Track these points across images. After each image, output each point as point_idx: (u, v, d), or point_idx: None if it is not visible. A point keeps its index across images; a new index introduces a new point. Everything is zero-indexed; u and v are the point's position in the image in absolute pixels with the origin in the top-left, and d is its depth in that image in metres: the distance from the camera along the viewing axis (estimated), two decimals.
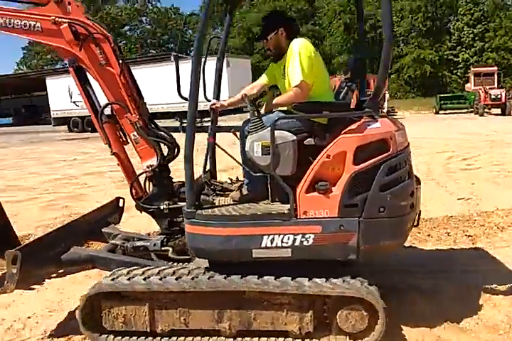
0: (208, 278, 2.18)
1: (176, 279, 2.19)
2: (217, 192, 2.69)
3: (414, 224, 2.41)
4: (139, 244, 2.69)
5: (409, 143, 2.37)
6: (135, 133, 2.66)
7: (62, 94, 21.66)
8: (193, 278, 2.19)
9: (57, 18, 2.51)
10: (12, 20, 2.58)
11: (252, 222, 2.20)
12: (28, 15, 2.58)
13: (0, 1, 2.82)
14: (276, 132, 2.21)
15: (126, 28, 45.02)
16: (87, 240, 3.01)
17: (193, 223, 2.26)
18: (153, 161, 2.65)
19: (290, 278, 2.17)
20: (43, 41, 2.63)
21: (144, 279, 2.21)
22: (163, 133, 2.75)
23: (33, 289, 2.85)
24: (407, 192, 2.18)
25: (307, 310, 2.16)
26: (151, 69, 18.50)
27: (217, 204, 2.45)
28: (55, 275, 2.94)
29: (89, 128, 21.00)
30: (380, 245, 2.18)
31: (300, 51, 2.37)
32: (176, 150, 2.75)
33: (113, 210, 3.33)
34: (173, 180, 2.77)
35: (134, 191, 2.73)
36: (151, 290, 2.20)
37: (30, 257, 2.34)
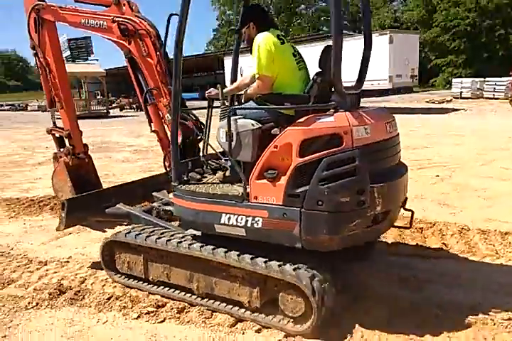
0: (188, 245, 2.52)
1: (167, 241, 2.59)
2: (215, 171, 2.91)
3: (393, 224, 2.39)
4: (167, 208, 3.19)
5: (389, 138, 2.29)
6: (168, 115, 3.14)
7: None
8: (178, 243, 2.56)
9: (114, 18, 3.10)
10: (88, 20, 3.27)
11: (213, 200, 2.45)
12: (98, 16, 3.22)
13: (76, 3, 3.54)
14: (240, 121, 2.39)
15: (302, 6, 46.08)
16: (142, 200, 3.71)
17: (176, 195, 2.64)
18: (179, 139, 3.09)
19: (251, 256, 2.33)
20: (107, 37, 3.21)
21: (147, 237, 2.68)
22: (191, 115, 3.16)
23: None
24: (349, 189, 2.09)
25: (255, 286, 2.36)
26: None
27: (204, 181, 2.70)
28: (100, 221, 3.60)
29: None
30: (318, 238, 2.17)
31: (260, 45, 2.42)
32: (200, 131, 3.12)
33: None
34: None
35: (166, 163, 3.25)
36: (146, 246, 2.68)
37: (77, 206, 3.10)
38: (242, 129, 2.39)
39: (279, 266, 2.24)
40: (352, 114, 2.17)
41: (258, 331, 2.32)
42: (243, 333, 2.31)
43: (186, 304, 2.61)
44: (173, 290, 2.69)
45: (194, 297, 2.60)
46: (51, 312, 2.61)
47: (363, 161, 2.09)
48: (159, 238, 2.66)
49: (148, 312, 2.54)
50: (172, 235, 2.73)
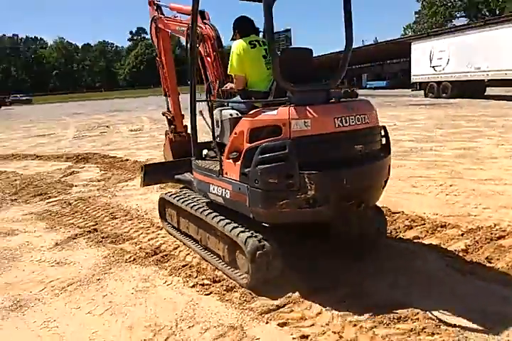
0: (197, 208, 3.22)
1: (188, 204, 3.34)
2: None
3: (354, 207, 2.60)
4: None
5: (341, 132, 2.52)
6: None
7: (423, 58, 22.05)
8: (193, 206, 3.29)
9: (189, 25, 3.56)
10: (180, 28, 3.95)
11: (207, 173, 3.12)
12: (182, 23, 3.88)
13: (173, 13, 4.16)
14: (224, 111, 3.04)
15: None
16: None
17: (193, 168, 3.40)
18: None
19: (225, 221, 2.89)
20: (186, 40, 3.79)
21: (180, 199, 3.51)
22: None
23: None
24: (277, 172, 2.45)
25: (226, 244, 2.92)
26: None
27: (208, 159, 3.39)
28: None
29: (444, 94, 20.73)
30: (257, 210, 2.62)
31: (232, 50, 3.04)
32: None
33: None
34: None
35: None
36: (178, 206, 3.50)
37: (152, 171, 4.16)
38: (224, 118, 3.02)
39: (233, 229, 2.77)
40: (296, 109, 2.45)
41: (282, 325, 2.35)
42: (266, 322, 2.37)
43: (237, 284, 2.82)
44: (189, 239, 3.49)
45: (200, 247, 3.31)
46: (138, 268, 3.17)
47: (293, 150, 2.39)
48: (186, 202, 3.42)
49: (203, 284, 2.84)
50: (197, 200, 3.40)
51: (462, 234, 3.48)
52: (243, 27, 3.18)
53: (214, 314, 2.51)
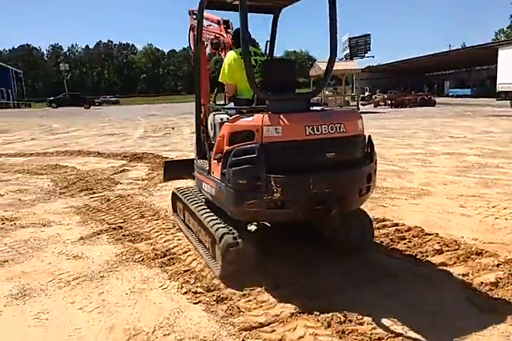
0: (194, 203, 3.57)
1: (191, 200, 3.67)
2: None
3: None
4: None
5: (312, 139, 2.65)
6: None
7: (511, 65, 20.15)
8: (191, 201, 3.64)
9: (216, 34, 3.79)
10: (208, 35, 4.01)
11: (200, 171, 3.47)
12: (211, 32, 4.00)
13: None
14: (217, 115, 3.25)
15: None
16: None
17: (194, 167, 3.73)
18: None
19: (214, 216, 3.16)
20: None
21: (185, 195, 3.91)
22: None
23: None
24: (245, 174, 2.60)
25: (210, 237, 3.14)
26: None
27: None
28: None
29: None
30: (229, 207, 2.83)
31: (225, 60, 3.34)
32: None
33: None
34: None
35: None
36: (183, 200, 3.83)
37: (172, 167, 4.38)
38: (216, 121, 3.25)
39: (213, 224, 3.02)
40: (269, 116, 2.62)
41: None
42: (242, 340, 2.26)
43: (229, 296, 2.73)
44: (190, 231, 3.75)
45: (195, 239, 3.54)
46: (143, 269, 3.20)
47: (262, 154, 2.56)
48: (188, 197, 3.78)
49: (195, 292, 2.79)
50: (198, 196, 3.71)
51: (498, 265, 3.05)
52: (238, 38, 3.21)
53: (193, 324, 2.43)
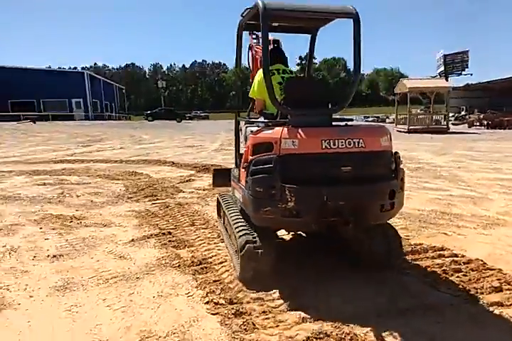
0: (229, 208, 3.79)
1: (227, 205, 3.89)
2: None
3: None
4: None
5: (327, 153, 2.76)
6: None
7: None
8: (229, 207, 3.79)
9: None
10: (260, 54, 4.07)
11: (234, 179, 3.82)
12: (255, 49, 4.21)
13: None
14: (249, 128, 3.63)
15: None
16: None
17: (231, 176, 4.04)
18: None
19: (242, 220, 3.33)
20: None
21: (224, 200, 4.09)
22: None
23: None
24: (262, 183, 2.79)
25: (235, 241, 3.25)
26: None
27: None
28: None
29: None
30: (250, 213, 3.00)
31: (255, 77, 3.71)
32: None
33: None
34: None
35: None
36: (222, 205, 4.01)
37: (220, 175, 4.53)
38: (247, 133, 3.61)
39: (238, 227, 3.21)
40: (288, 129, 2.79)
41: None
42: None
43: (249, 311, 2.67)
44: (226, 234, 3.87)
45: (229, 242, 3.65)
46: (176, 275, 3.27)
47: (278, 165, 2.73)
48: (226, 202, 3.98)
49: (216, 303, 2.77)
50: (235, 202, 3.86)
51: None
52: (272, 56, 3.46)
53: (205, 335, 2.42)
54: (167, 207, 5.44)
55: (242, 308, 2.70)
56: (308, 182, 2.73)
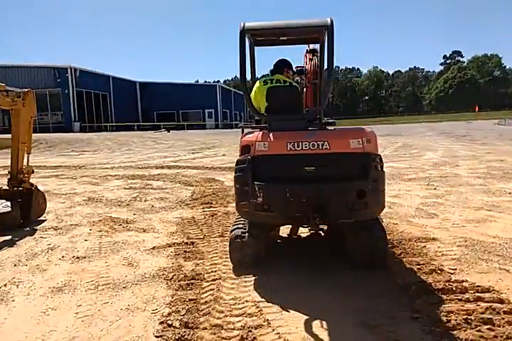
0: None
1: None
2: None
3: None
4: None
5: (292, 154, 3.09)
6: None
7: None
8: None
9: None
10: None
11: None
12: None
13: None
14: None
15: None
16: None
17: None
18: None
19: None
20: None
21: None
22: None
23: None
24: (238, 180, 3.17)
25: None
26: None
27: None
28: None
29: None
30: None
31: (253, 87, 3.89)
32: None
33: None
34: None
35: None
36: None
37: None
38: None
39: (236, 221, 3.69)
40: (263, 133, 3.19)
41: None
42: None
43: (191, 337, 2.44)
44: None
45: None
46: (160, 288, 3.20)
47: (250, 164, 3.11)
48: None
49: (170, 325, 2.61)
50: None
51: None
52: (273, 68, 4.00)
53: None
54: (213, 215, 5.43)
55: (191, 335, 2.48)
56: (273, 180, 3.09)
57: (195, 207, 6.01)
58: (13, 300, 3.10)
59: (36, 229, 5.05)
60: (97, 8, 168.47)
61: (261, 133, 3.20)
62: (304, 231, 4.32)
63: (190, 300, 2.96)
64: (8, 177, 5.44)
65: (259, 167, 3.11)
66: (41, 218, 5.57)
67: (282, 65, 3.93)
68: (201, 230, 4.79)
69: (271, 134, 3.17)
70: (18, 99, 5.35)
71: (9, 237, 4.71)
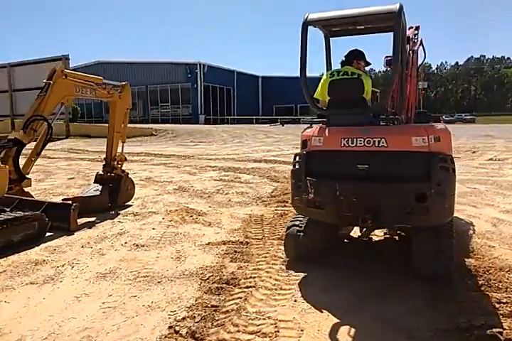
0: None
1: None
2: None
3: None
4: None
5: (345, 150, 3.01)
6: None
7: None
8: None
9: None
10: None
11: None
12: None
13: None
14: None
15: None
16: None
17: None
18: None
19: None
20: None
21: None
22: None
23: None
24: (293, 174, 3.23)
25: None
26: None
27: None
28: None
29: None
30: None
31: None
32: None
33: None
34: None
35: None
36: None
37: None
38: None
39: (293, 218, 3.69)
40: (319, 128, 3.18)
41: None
42: None
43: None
44: None
45: None
46: (189, 289, 3.09)
47: (304, 159, 3.13)
48: None
49: (176, 331, 2.48)
50: None
51: None
52: (344, 59, 3.58)
53: None
54: (282, 215, 5.15)
55: None
56: (325, 176, 3.03)
57: (269, 205, 5.81)
58: (60, 281, 3.30)
59: (119, 214, 5.42)
60: (225, 8, 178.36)
61: (318, 127, 3.19)
62: (377, 234, 4.13)
63: (212, 306, 2.79)
64: (103, 163, 5.96)
65: (313, 162, 3.10)
66: (129, 203, 5.98)
67: (351, 56, 3.58)
68: (263, 230, 4.57)
69: (327, 129, 3.13)
70: (115, 92, 5.78)
71: (93, 219, 5.13)
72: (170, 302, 2.88)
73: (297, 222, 3.50)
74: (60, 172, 9.54)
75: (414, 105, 5.17)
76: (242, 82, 41.64)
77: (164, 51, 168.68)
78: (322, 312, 2.70)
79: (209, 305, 2.79)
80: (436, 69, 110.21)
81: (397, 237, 4.03)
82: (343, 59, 3.61)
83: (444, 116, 53.38)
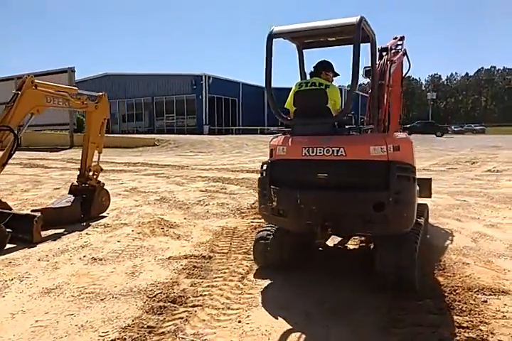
0: None
1: None
2: None
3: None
4: None
5: (307, 159, 3.03)
6: None
7: None
8: None
9: None
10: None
11: None
12: None
13: None
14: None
15: None
16: None
17: None
18: None
19: None
20: None
21: None
22: None
23: None
24: (259, 183, 3.28)
25: None
26: None
27: None
28: None
29: None
30: None
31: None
32: None
33: None
34: None
35: None
36: None
37: None
38: None
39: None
40: (283, 138, 3.22)
41: None
42: None
43: None
44: None
45: None
46: (126, 306, 2.91)
47: (269, 168, 3.21)
48: None
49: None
50: None
51: None
52: (312, 70, 3.58)
53: None
54: (256, 227, 4.94)
55: None
56: (286, 185, 3.07)
57: (246, 217, 5.62)
58: (3, 296, 3.14)
59: (90, 225, 5.27)
60: (234, 19, 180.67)
61: (283, 137, 3.23)
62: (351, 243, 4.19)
63: (148, 327, 2.60)
64: (78, 173, 5.84)
65: (277, 171, 3.16)
66: (104, 214, 5.84)
67: (320, 67, 3.58)
68: (231, 243, 4.38)
69: (290, 139, 3.16)
70: (90, 102, 5.69)
71: (61, 230, 4.98)
72: (105, 322, 2.69)
73: (268, 228, 3.58)
74: (50, 182, 9.43)
75: (398, 114, 5.00)
76: (247, 93, 41.75)
77: (169, 63, 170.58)
78: (264, 335, 2.50)
79: (145, 326, 2.61)
80: (446, 80, 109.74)
81: (372, 245, 3.86)
82: (312, 70, 3.59)
83: (453, 127, 52.96)
